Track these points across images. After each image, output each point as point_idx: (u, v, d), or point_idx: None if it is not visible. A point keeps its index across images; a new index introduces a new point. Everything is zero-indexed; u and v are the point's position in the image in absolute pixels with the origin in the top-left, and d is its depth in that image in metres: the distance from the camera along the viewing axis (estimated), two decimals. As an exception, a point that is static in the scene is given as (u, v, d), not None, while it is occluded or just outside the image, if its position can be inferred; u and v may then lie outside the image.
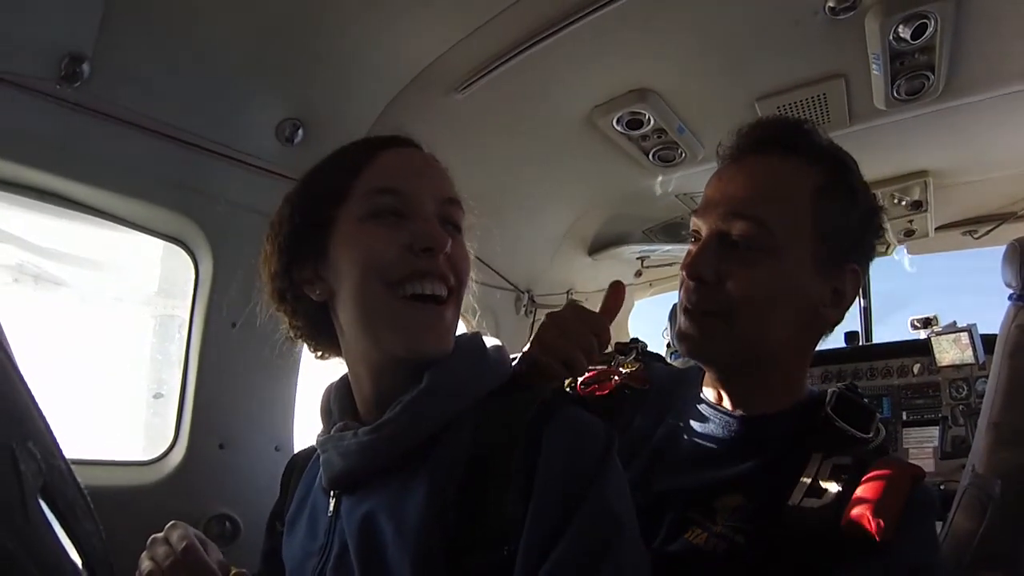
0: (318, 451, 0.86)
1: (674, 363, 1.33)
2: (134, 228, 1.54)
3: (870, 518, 0.75)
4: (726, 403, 0.96)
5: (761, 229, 0.86)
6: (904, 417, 2.97)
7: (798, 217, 0.87)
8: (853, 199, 0.91)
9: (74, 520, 0.52)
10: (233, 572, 0.86)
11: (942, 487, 2.16)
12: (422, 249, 0.77)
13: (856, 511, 0.76)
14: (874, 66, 1.56)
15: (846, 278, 0.90)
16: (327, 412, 0.90)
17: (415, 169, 0.83)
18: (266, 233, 0.88)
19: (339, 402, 0.89)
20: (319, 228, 0.82)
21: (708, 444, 0.95)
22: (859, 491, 0.79)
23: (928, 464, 2.62)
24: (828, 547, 0.77)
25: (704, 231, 0.91)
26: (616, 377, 1.09)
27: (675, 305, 2.97)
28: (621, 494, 0.73)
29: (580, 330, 0.87)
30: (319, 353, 0.92)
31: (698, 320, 0.91)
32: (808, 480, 0.84)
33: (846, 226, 0.90)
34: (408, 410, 0.76)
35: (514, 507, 0.68)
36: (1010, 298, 1.47)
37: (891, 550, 0.74)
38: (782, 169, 0.90)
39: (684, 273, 0.92)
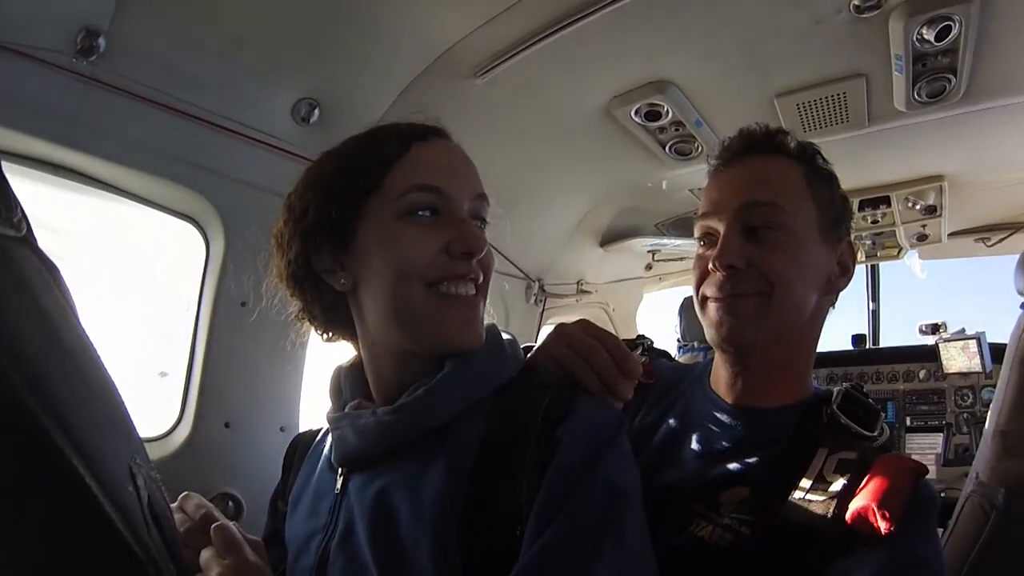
0: (329, 428, 0.87)
1: (681, 358, 1.34)
2: (146, 204, 1.54)
3: (874, 512, 0.76)
4: (736, 395, 0.98)
5: (777, 210, 0.93)
6: (908, 423, 2.97)
7: (800, 197, 0.95)
8: (832, 183, 1.01)
9: (170, 531, 0.52)
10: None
11: (944, 495, 2.15)
12: (461, 253, 0.77)
13: (860, 505, 0.77)
14: (896, 67, 1.54)
15: (845, 249, 1.00)
16: (337, 392, 0.90)
17: (452, 165, 0.82)
18: (283, 216, 0.85)
19: (351, 382, 0.89)
20: (348, 219, 0.80)
21: (714, 438, 0.97)
22: (863, 486, 0.80)
23: (930, 472, 2.61)
24: (831, 540, 0.78)
25: (722, 227, 0.95)
26: None
27: (686, 299, 2.96)
28: (625, 468, 0.74)
29: (585, 341, 0.87)
30: (327, 336, 0.92)
31: (737, 304, 0.93)
32: (813, 474, 0.85)
33: (834, 204, 0.99)
34: (430, 393, 0.77)
35: (528, 491, 0.69)
36: (1022, 306, 1.45)
37: (893, 544, 0.75)
38: (774, 163, 0.98)
39: (715, 265, 0.94)
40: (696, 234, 1.02)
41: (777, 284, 0.91)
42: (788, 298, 0.92)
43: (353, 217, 0.80)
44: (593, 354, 0.84)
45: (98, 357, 0.52)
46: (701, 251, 1.00)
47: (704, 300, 0.98)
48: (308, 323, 0.91)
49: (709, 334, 0.98)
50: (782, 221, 0.92)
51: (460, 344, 0.79)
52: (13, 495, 0.37)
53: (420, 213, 0.78)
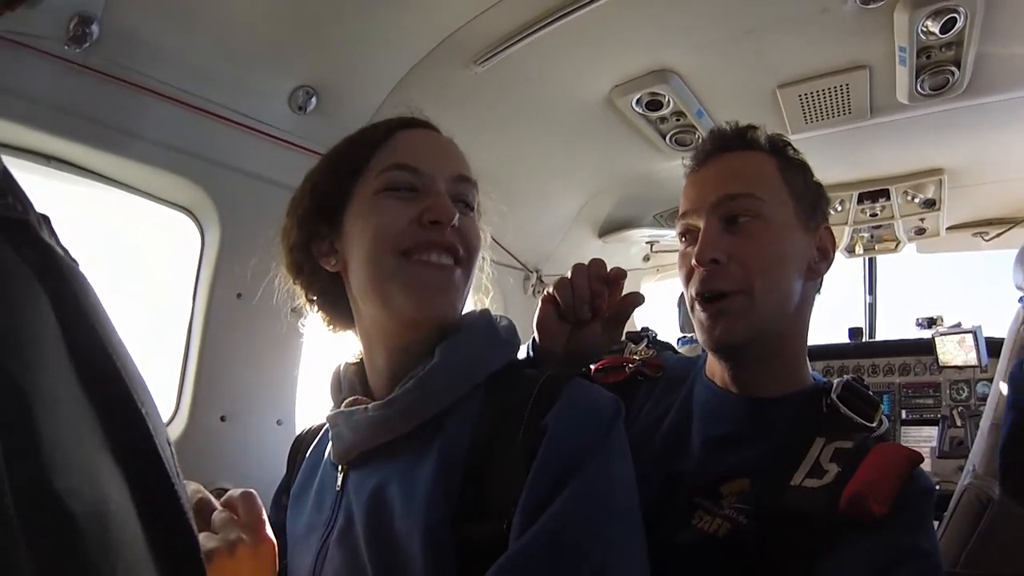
0: (328, 426, 0.88)
1: (681, 349, 1.34)
2: (140, 194, 1.52)
3: (867, 497, 0.76)
4: (733, 387, 0.98)
5: (755, 200, 0.94)
6: (903, 416, 2.99)
7: (775, 187, 0.97)
8: (805, 172, 1.02)
9: (179, 479, 0.54)
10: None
11: (939, 487, 2.16)
12: (430, 221, 0.79)
13: (853, 491, 0.78)
14: (900, 59, 1.53)
15: (823, 235, 1.01)
16: (337, 388, 0.91)
17: (430, 148, 0.86)
18: (286, 212, 0.90)
19: (349, 378, 0.90)
20: (337, 203, 0.85)
21: (714, 429, 0.97)
22: (858, 472, 0.80)
23: (925, 464, 2.63)
24: (826, 527, 0.78)
25: (701, 222, 0.96)
26: (630, 365, 1.11)
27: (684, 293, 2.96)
28: (623, 457, 0.73)
29: (577, 265, 1.00)
30: (331, 325, 0.94)
31: (723, 306, 0.93)
32: (810, 463, 0.86)
33: (808, 191, 1.00)
34: (420, 385, 0.77)
35: (517, 481, 0.69)
36: (1021, 300, 1.46)
37: (888, 532, 0.76)
38: (747, 158, 0.99)
39: (695, 261, 0.95)
40: (678, 230, 1.03)
41: (757, 279, 0.92)
42: (769, 290, 0.93)
43: (341, 199, 0.84)
44: (575, 275, 0.99)
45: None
46: (684, 248, 1.01)
47: (692, 301, 0.98)
48: (317, 311, 0.93)
49: (700, 338, 0.98)
50: (759, 210, 0.94)
51: (433, 310, 0.80)
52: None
53: (398, 190, 0.81)
